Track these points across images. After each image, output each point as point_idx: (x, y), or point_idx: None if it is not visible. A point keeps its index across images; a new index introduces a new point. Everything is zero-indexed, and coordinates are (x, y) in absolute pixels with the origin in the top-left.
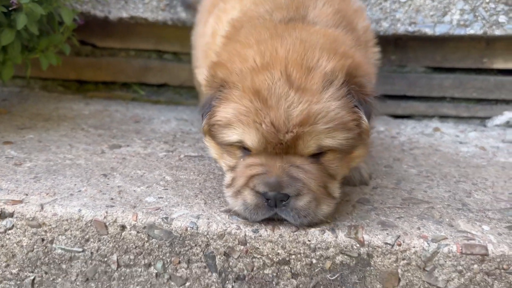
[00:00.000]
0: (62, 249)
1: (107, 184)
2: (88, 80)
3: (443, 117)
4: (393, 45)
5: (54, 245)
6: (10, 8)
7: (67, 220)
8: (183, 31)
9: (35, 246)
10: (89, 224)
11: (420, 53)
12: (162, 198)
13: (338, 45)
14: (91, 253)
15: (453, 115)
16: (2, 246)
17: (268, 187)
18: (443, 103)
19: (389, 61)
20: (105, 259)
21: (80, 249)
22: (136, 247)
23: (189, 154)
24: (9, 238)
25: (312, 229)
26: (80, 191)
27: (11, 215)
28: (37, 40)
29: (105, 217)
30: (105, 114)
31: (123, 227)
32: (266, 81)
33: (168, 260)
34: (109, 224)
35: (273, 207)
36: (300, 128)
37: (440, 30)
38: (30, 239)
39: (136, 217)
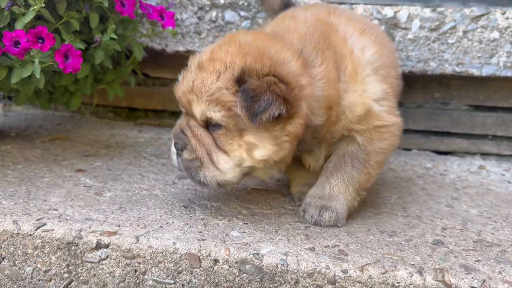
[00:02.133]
0: (154, 280)
1: (190, 216)
2: (138, 107)
3: (485, 154)
4: (437, 83)
5: (146, 276)
6: (93, 45)
7: (161, 252)
8: None
9: (127, 277)
10: (183, 257)
11: (463, 92)
12: (245, 232)
13: (257, 48)
14: (182, 285)
15: (495, 152)
16: (95, 275)
17: (172, 137)
18: (485, 140)
19: (433, 98)
20: None
21: (172, 281)
22: (227, 281)
23: (254, 187)
24: (102, 268)
25: (401, 272)
26: (167, 223)
27: (107, 246)
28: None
29: (199, 250)
30: (160, 142)
31: (215, 261)
32: (193, 61)
33: None
34: (202, 257)
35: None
36: (189, 95)
37: (487, 71)
38: (123, 270)
39: (229, 251)
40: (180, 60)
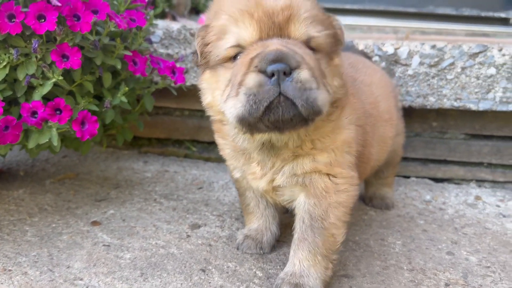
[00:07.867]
0: None
1: (209, 282)
2: (142, 136)
3: (480, 181)
4: (435, 113)
5: None
6: (103, 109)
7: None
8: None
9: None
10: None
11: (460, 121)
12: None
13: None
14: None
15: (490, 179)
16: None
17: (269, 60)
18: (480, 168)
19: (431, 127)
20: None
21: None
22: None
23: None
24: None
25: None
26: None
27: None
28: None
29: None
30: (167, 177)
31: None
32: None
33: None
34: None
35: (277, 83)
36: (287, 11)
37: (483, 106)
38: None
39: None
40: (183, 92)
